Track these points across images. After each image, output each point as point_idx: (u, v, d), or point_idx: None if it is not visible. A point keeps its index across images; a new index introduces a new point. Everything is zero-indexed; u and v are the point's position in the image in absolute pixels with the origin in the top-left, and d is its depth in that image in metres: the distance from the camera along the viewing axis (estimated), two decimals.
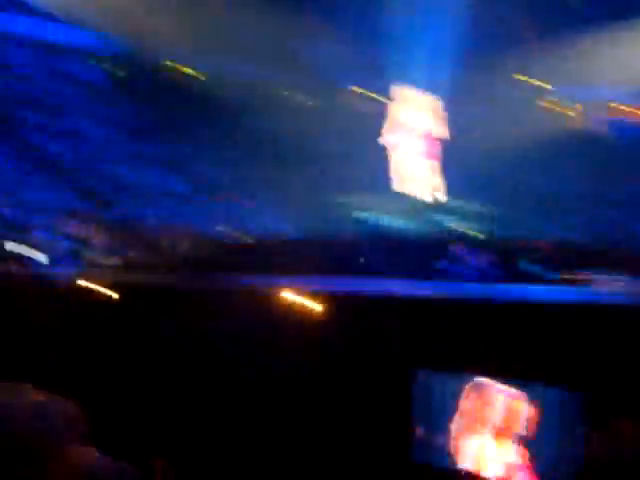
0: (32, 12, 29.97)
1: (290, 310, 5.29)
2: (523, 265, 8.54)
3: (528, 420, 3.68)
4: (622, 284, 8.10)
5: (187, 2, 31.13)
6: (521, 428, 3.70)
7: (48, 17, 29.97)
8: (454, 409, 3.54)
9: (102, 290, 7.05)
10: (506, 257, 8.56)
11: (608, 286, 7.80)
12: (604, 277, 8.77)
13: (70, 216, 22.28)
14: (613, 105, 36.14)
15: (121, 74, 33.15)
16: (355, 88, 36.97)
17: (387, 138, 14.86)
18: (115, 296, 7.10)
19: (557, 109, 36.99)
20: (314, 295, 5.28)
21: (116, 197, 24.75)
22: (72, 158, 26.10)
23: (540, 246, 9.99)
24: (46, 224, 20.87)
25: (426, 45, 30.97)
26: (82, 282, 7.00)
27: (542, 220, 27.38)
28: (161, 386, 6.40)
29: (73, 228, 21.48)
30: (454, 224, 15.34)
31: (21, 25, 30.45)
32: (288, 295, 5.13)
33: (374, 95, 35.32)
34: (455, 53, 33.12)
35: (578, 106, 37.00)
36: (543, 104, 35.98)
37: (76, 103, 29.55)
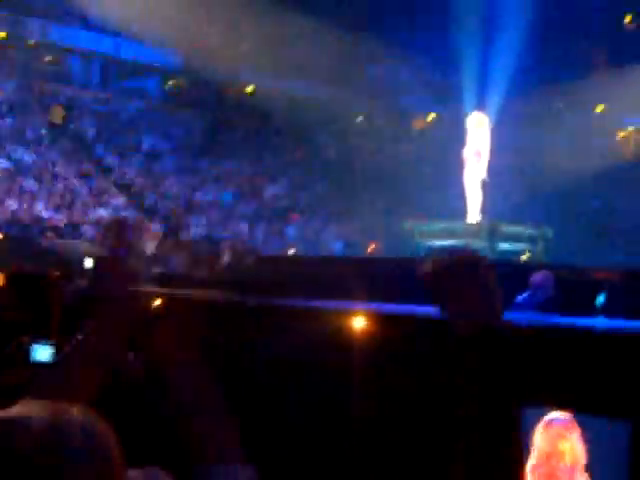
0: (95, 27, 30.53)
1: (348, 334, 5.17)
2: (587, 295, 8.35)
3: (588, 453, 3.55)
4: None
5: (254, 22, 31.46)
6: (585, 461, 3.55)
7: (110, 33, 30.49)
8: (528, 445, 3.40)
9: (164, 305, 7.02)
10: (570, 286, 8.37)
11: None
12: None
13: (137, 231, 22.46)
14: None
15: (181, 90, 33.52)
16: (430, 113, 36.88)
17: (463, 164, 14.75)
18: (175, 310, 7.06)
19: (624, 137, 36.37)
20: (374, 319, 5.16)
21: (177, 214, 24.93)
22: (134, 173, 26.36)
23: (606, 276, 9.76)
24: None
25: (501, 73, 30.85)
26: (148, 298, 6.98)
27: (609, 249, 26.94)
28: (201, 403, 6.34)
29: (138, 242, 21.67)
30: (520, 250, 15.16)
31: (85, 40, 30.98)
32: (348, 318, 5.02)
33: (443, 120, 35.19)
34: (529, 81, 32.90)
35: None
36: (615, 133, 35.51)
37: (139, 119, 29.93)
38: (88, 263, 12.40)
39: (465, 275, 2.14)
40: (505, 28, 31.24)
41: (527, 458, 2.94)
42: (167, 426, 3.04)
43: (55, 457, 1.28)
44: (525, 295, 7.57)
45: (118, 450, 1.44)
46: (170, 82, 33.35)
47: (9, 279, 6.36)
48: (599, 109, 35.08)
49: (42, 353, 5.68)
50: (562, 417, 3.65)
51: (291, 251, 22.71)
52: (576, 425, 3.91)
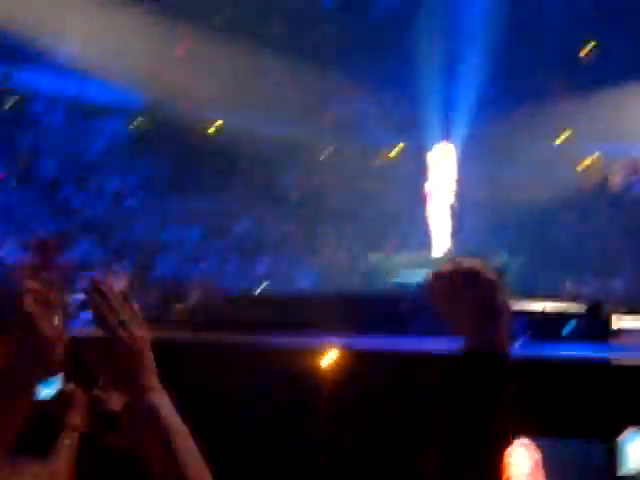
0: (58, 69, 30.44)
1: (319, 370, 5.16)
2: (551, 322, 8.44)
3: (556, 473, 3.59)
4: None
5: (218, 60, 31.58)
6: None
7: (74, 74, 30.42)
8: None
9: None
10: (534, 315, 8.45)
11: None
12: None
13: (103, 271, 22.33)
14: None
15: (147, 130, 33.47)
16: (393, 149, 37.19)
17: (425, 195, 14.85)
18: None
19: (587, 167, 36.86)
20: (343, 353, 5.16)
21: (140, 253, 24.81)
22: (98, 214, 26.25)
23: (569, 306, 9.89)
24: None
25: (465, 105, 31.23)
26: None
27: (571, 277, 27.18)
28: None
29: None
30: None
31: (48, 82, 30.89)
32: (317, 353, 5.01)
33: (403, 151, 35.43)
34: (490, 112, 33.34)
35: (610, 163, 36.85)
36: (574, 163, 35.94)
37: (103, 159, 29.85)
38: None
39: (470, 287, 1.95)
40: (468, 59, 31.65)
41: None
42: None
43: None
44: None
45: None
46: (135, 122, 33.32)
47: None
48: (562, 137, 35.51)
49: None
50: (527, 441, 3.74)
51: (261, 288, 22.70)
52: (536, 448, 3.98)
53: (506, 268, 15.29)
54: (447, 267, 1.94)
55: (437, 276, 1.95)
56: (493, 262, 15.20)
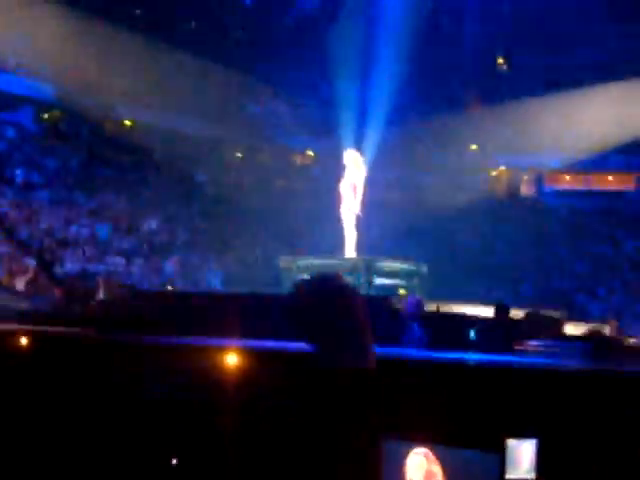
0: None
1: (224, 370, 5.10)
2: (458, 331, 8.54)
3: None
4: (557, 349, 8.08)
5: (135, 56, 31.18)
6: None
7: None
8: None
9: (25, 341, 6.80)
10: (442, 322, 8.53)
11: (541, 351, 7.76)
12: (538, 343, 8.73)
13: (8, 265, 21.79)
14: (551, 172, 36.87)
15: (56, 122, 32.85)
16: (308, 150, 37.28)
17: (340, 200, 14.91)
18: (40, 347, 6.85)
19: (497, 176, 37.59)
20: (246, 355, 5.13)
21: (50, 250, 24.29)
22: (8, 207, 25.62)
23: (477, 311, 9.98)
24: None
25: (378, 110, 31.47)
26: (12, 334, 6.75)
27: (478, 284, 27.62)
28: (73, 444, 6.14)
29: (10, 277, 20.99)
30: (396, 286, 15.37)
31: None
32: (223, 354, 4.96)
33: (314, 156, 35.59)
34: (405, 118, 33.69)
35: (519, 173, 37.64)
36: (488, 171, 36.63)
37: (13, 151, 29.17)
38: None
39: (335, 306, 1.95)
40: (382, 65, 31.92)
41: None
42: None
43: None
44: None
45: None
46: (45, 115, 32.66)
47: None
48: (472, 148, 36.21)
49: None
50: (423, 450, 3.75)
51: (168, 287, 22.44)
52: (432, 456, 4.01)
53: (422, 273, 15.43)
54: (313, 281, 1.93)
55: (301, 288, 1.94)
56: (410, 269, 15.35)
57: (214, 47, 34.28)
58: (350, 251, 15.09)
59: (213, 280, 25.26)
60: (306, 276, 12.88)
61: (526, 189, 36.95)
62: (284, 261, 16.04)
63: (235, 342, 5.39)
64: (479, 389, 4.44)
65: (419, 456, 3.84)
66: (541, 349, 8.18)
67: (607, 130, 31.45)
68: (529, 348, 8.43)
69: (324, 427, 1.81)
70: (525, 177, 37.15)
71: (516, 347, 8.18)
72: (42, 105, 32.38)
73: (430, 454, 3.88)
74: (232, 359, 5.23)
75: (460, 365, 4.96)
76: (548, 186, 36.77)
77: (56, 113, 32.65)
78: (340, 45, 31.06)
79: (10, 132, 30.24)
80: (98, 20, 29.52)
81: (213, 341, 5.76)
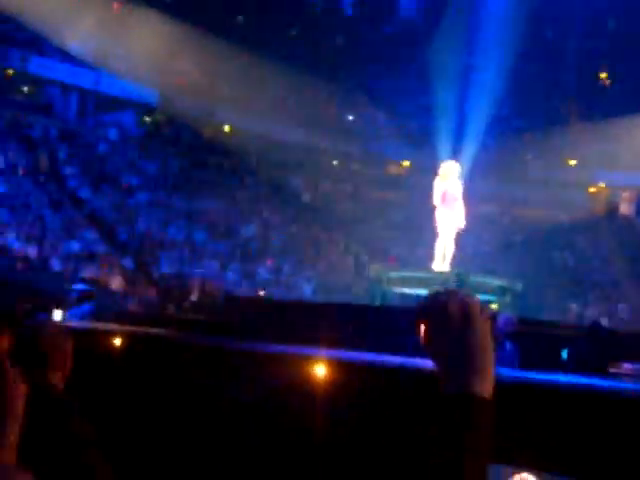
0: (74, 60, 30.54)
1: (312, 380, 5.10)
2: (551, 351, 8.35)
3: None
4: None
5: (235, 64, 31.64)
6: None
7: (89, 66, 30.53)
8: None
9: (133, 343, 6.95)
10: (535, 340, 8.37)
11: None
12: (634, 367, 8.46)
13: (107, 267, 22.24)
14: None
15: (158, 126, 33.51)
16: (403, 161, 37.20)
17: (434, 211, 14.75)
18: (140, 349, 7.00)
19: (595, 193, 36.74)
20: (338, 366, 5.11)
21: (148, 251, 24.75)
22: (109, 209, 26.22)
23: (570, 331, 9.72)
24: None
25: (476, 122, 31.19)
26: (115, 335, 6.91)
27: (575, 303, 27.08)
28: (158, 444, 6.25)
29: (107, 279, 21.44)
30: (488, 301, 15.17)
31: (63, 72, 31.00)
32: (314, 364, 4.95)
33: (415, 167, 35.44)
34: (504, 131, 33.30)
35: (618, 191, 36.72)
36: (582, 188, 35.88)
37: (113, 151, 29.87)
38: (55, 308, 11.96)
39: (459, 323, 1.90)
40: (483, 75, 31.66)
41: None
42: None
43: None
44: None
45: None
46: (147, 118, 33.39)
47: None
48: (571, 163, 35.56)
49: None
50: (526, 475, 3.68)
51: (261, 293, 22.61)
52: None
53: (516, 290, 15.13)
54: (439, 300, 1.87)
55: (427, 310, 1.89)
56: (504, 285, 15.09)
57: (313, 55, 34.53)
58: (441, 264, 14.94)
59: (305, 287, 25.37)
60: (400, 289, 12.70)
61: (625, 208, 36.06)
62: (374, 270, 15.95)
63: (325, 352, 5.41)
64: (580, 414, 4.33)
65: None
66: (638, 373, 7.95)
67: None
68: (624, 371, 8.21)
69: (423, 455, 1.80)
70: (624, 195, 36.27)
71: (611, 370, 7.98)
72: (144, 108, 33.13)
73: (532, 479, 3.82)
74: (321, 369, 5.25)
75: (554, 387, 4.86)
76: None
77: (158, 117, 33.35)
78: (440, 54, 30.91)
79: (113, 134, 31.00)
80: (201, 27, 30.07)
81: (301, 350, 5.78)
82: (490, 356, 1.80)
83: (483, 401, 1.76)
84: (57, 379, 3.18)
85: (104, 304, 14.06)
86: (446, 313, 1.80)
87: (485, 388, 1.77)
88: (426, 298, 1.88)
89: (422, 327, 1.83)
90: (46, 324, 3.32)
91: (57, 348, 3.18)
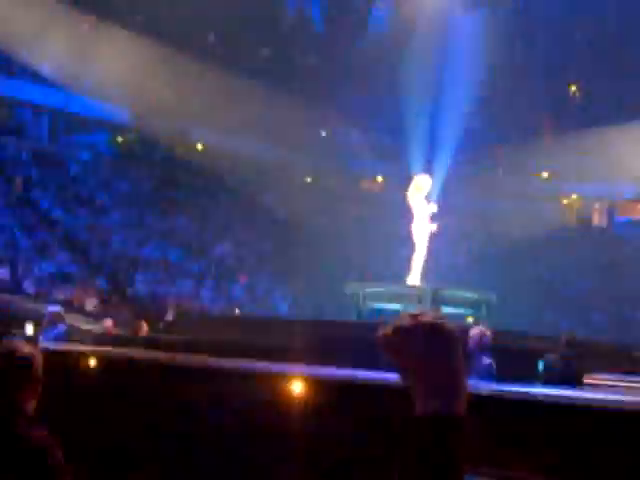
0: (45, 81, 30.36)
1: (288, 398, 5.07)
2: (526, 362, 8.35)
3: None
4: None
5: (207, 81, 31.59)
6: None
7: (60, 86, 30.34)
8: None
9: (108, 364, 6.90)
10: (510, 354, 8.37)
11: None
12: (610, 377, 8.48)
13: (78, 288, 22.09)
14: (624, 202, 36.19)
15: (130, 145, 33.36)
16: (377, 177, 37.27)
17: (408, 227, 14.80)
18: (117, 369, 6.95)
19: (568, 205, 37.00)
20: (314, 382, 5.08)
21: (122, 271, 24.61)
22: (81, 229, 26.05)
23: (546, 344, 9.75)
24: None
25: (448, 136, 31.37)
26: (88, 357, 6.86)
27: (550, 314, 27.20)
28: (148, 461, 6.20)
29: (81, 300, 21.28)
30: (463, 315, 15.19)
31: (34, 93, 30.81)
32: (290, 381, 4.91)
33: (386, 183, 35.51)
34: (475, 145, 33.48)
35: (591, 202, 36.96)
36: (555, 200, 36.10)
37: (85, 172, 29.70)
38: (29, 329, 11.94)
39: (430, 344, 1.91)
40: (453, 91, 31.80)
41: None
42: None
43: None
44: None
45: None
46: (119, 138, 33.26)
47: None
48: (543, 176, 35.80)
49: None
50: None
51: (236, 311, 22.53)
52: None
53: (490, 302, 15.15)
54: (407, 324, 1.86)
55: (395, 330, 1.88)
56: (478, 298, 15.11)
57: (285, 72, 34.58)
58: (415, 279, 14.96)
59: (280, 304, 25.32)
60: (375, 304, 12.66)
61: (598, 219, 36.35)
62: (350, 287, 15.93)
63: (300, 369, 5.39)
64: (556, 425, 4.35)
65: None
66: (613, 383, 7.97)
67: None
68: (600, 382, 8.23)
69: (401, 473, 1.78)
70: (597, 206, 36.56)
71: (586, 381, 8.00)
72: (117, 128, 33.00)
73: None
74: (297, 387, 5.22)
75: (528, 400, 4.88)
76: (620, 216, 36.14)
77: (130, 136, 33.23)
78: (410, 70, 31.05)
79: (85, 155, 30.85)
80: (172, 47, 30.03)
81: (277, 367, 5.75)
82: (462, 375, 1.80)
83: (455, 420, 1.75)
84: (27, 403, 3.14)
85: (75, 326, 13.97)
86: (414, 337, 1.79)
87: (457, 407, 1.76)
88: (394, 323, 1.87)
89: (391, 351, 1.82)
90: (16, 348, 3.27)
91: (26, 372, 3.14)
